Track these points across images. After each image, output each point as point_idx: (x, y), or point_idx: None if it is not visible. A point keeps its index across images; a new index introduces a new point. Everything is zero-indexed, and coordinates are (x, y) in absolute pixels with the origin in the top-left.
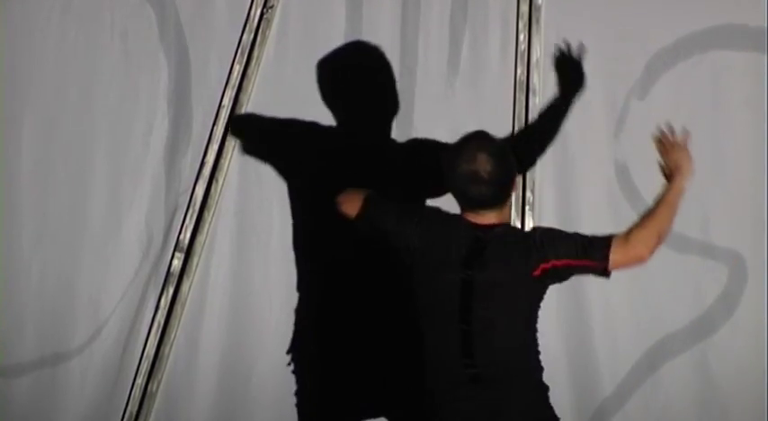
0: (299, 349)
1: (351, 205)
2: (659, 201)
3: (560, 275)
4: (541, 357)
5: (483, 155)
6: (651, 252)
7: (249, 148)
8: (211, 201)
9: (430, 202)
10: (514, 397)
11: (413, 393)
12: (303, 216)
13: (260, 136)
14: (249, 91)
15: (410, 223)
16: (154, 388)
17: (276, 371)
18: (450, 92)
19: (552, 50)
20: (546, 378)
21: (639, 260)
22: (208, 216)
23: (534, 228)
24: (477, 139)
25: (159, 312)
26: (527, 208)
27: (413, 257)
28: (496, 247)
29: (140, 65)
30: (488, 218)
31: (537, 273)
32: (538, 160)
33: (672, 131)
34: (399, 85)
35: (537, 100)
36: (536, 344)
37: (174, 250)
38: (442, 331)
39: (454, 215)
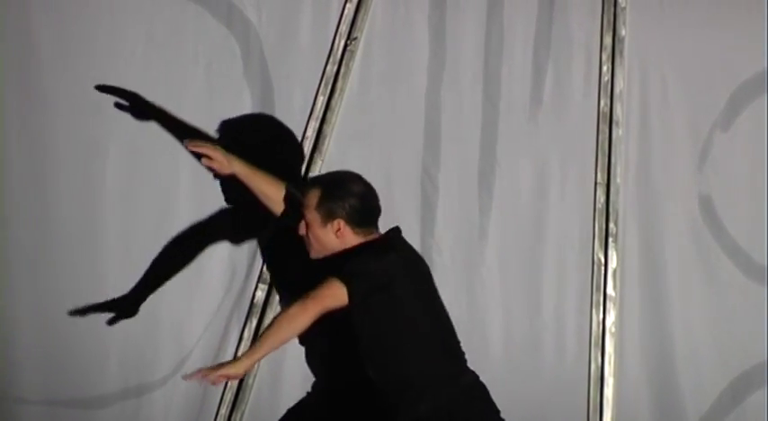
0: None
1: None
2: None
3: None
4: (624, 388)
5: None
6: None
7: None
8: None
9: None
10: None
11: None
12: None
13: None
14: (333, 122)
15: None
16: (237, 418)
17: None
18: (533, 124)
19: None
20: (628, 409)
21: None
22: None
23: None
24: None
25: (243, 343)
26: (610, 240)
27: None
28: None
29: (224, 96)
30: None
31: None
32: None
33: None
34: (482, 118)
35: (620, 131)
36: None
37: (258, 281)
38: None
39: (380, 240)
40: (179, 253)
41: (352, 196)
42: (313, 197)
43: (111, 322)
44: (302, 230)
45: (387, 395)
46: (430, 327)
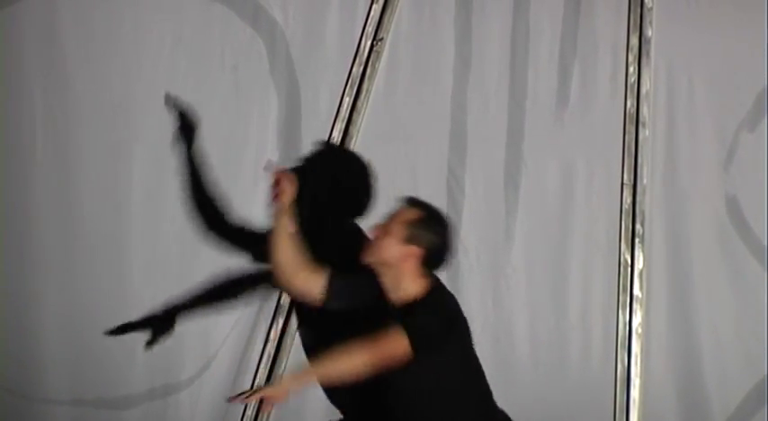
0: None
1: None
2: None
3: None
4: (651, 388)
5: None
6: None
7: None
8: None
9: None
10: None
11: None
12: None
13: None
14: (359, 123)
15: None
16: (264, 419)
17: None
18: (560, 125)
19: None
20: (655, 410)
21: None
22: None
23: None
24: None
25: (269, 344)
26: (636, 241)
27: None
28: None
29: (251, 97)
30: None
31: None
32: None
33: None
34: (508, 119)
35: (647, 132)
36: None
37: None
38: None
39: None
40: (230, 291)
41: (441, 238)
42: (411, 213)
43: (149, 344)
44: (376, 233)
45: None
46: (474, 377)
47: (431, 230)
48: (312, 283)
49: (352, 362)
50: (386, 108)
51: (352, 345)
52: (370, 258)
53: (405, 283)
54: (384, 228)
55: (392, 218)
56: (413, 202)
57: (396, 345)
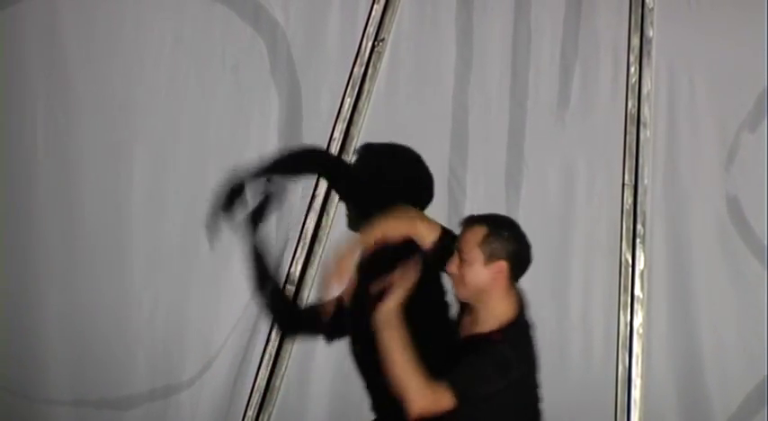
0: None
1: None
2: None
3: None
4: (652, 389)
5: None
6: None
7: None
8: (322, 234)
9: None
10: None
11: None
12: None
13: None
14: (360, 124)
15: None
16: (265, 419)
17: None
18: (561, 125)
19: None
20: (656, 410)
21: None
22: (318, 248)
23: None
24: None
25: (270, 344)
26: (638, 241)
27: None
28: None
29: (252, 98)
30: None
31: None
32: None
33: None
34: (509, 119)
35: (648, 133)
36: None
37: (285, 282)
38: None
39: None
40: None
41: (517, 241)
42: (477, 233)
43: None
44: (453, 268)
45: None
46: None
47: (504, 239)
48: (440, 397)
49: (406, 373)
50: (387, 108)
51: (419, 365)
52: (465, 294)
53: (493, 304)
54: (460, 260)
55: (462, 245)
56: (472, 220)
57: (439, 402)
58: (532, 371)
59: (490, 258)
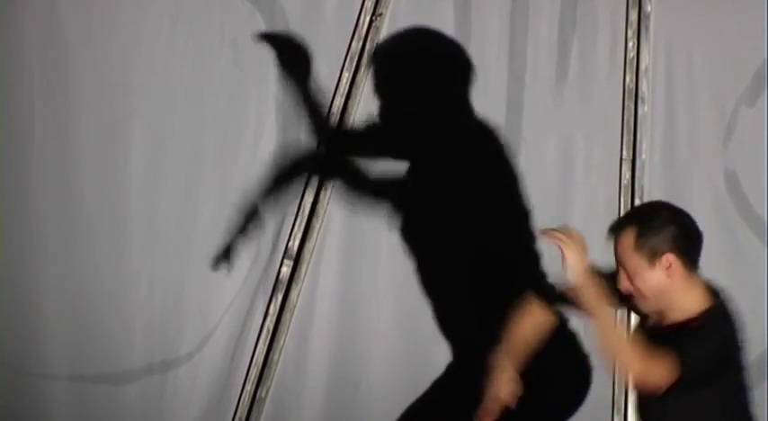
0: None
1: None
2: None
3: None
4: None
5: None
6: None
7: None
8: (320, 208)
9: None
10: None
11: None
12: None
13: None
14: (358, 99)
15: None
16: (263, 394)
17: (385, 376)
18: (559, 100)
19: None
20: None
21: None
22: (317, 223)
23: None
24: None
25: (268, 319)
26: None
27: None
28: None
29: (250, 73)
30: None
31: None
32: None
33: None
34: (507, 94)
35: (646, 108)
36: None
37: (283, 257)
38: None
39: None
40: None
41: (670, 224)
42: (627, 239)
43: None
44: (625, 285)
45: None
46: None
47: (657, 228)
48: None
49: (624, 349)
50: None
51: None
52: (651, 305)
53: (680, 301)
54: (625, 274)
55: (620, 258)
56: (617, 226)
57: (664, 371)
58: (738, 360)
59: (652, 258)
